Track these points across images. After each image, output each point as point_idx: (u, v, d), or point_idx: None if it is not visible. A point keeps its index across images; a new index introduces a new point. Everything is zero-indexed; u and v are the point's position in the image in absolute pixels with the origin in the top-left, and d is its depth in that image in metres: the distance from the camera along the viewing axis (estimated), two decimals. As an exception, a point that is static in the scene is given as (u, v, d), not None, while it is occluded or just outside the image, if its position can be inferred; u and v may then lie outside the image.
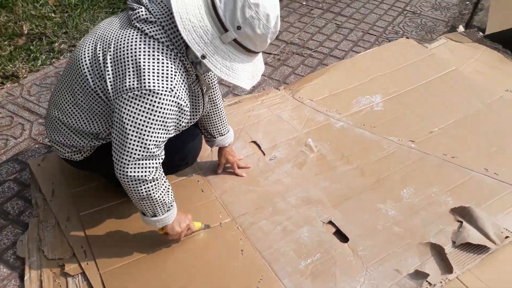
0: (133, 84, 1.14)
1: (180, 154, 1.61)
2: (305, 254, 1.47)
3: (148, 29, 1.16)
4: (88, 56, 1.23)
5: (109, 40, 1.20)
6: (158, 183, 1.25)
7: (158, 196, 1.26)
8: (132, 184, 1.21)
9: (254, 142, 1.95)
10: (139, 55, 1.14)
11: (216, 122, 1.64)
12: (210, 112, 1.62)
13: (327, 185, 1.75)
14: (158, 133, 1.19)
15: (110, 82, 1.19)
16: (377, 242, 1.52)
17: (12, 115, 2.10)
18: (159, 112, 1.16)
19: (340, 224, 1.58)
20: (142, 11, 1.17)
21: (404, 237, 1.53)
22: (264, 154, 1.88)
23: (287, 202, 1.67)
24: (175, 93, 1.17)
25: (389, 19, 3.24)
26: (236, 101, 2.19)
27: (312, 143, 1.94)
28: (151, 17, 1.16)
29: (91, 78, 1.22)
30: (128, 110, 1.15)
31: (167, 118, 1.19)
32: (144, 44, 1.15)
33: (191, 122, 1.42)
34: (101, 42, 1.22)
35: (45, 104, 2.18)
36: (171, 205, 1.35)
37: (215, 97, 1.61)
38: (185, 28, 1.12)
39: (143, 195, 1.24)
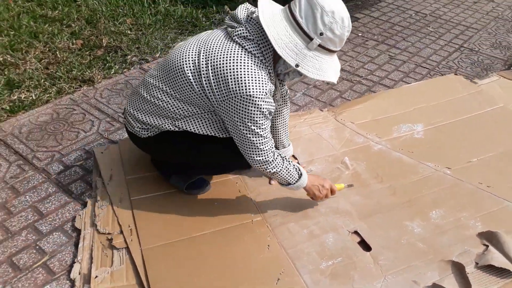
0: (236, 90, 1.38)
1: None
2: (327, 256, 1.57)
3: (247, 45, 1.40)
4: (192, 61, 1.46)
5: (212, 50, 1.43)
6: (278, 162, 1.54)
7: (283, 171, 1.55)
8: (260, 166, 1.53)
9: (293, 156, 2.08)
10: (240, 66, 1.38)
11: (281, 134, 1.86)
12: (278, 125, 1.83)
13: (358, 199, 1.84)
14: (263, 123, 1.46)
15: (213, 87, 1.42)
16: (399, 254, 1.58)
17: (85, 113, 2.39)
18: (259, 110, 1.41)
19: (365, 235, 1.66)
20: (242, 30, 1.42)
21: (427, 253, 1.58)
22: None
23: (317, 210, 1.78)
24: (269, 96, 1.43)
25: (444, 54, 3.29)
26: None
27: (348, 161, 2.04)
28: (249, 35, 1.41)
29: (193, 79, 1.45)
30: (236, 110, 1.42)
31: (266, 113, 1.44)
32: (243, 57, 1.39)
33: None
34: (204, 50, 1.45)
35: (114, 105, 2.46)
36: (300, 174, 1.61)
37: (284, 111, 1.83)
38: (279, 47, 1.36)
39: (272, 172, 1.54)
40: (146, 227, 1.65)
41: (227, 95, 1.40)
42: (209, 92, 1.44)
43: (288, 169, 1.57)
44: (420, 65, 3.11)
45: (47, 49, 3.05)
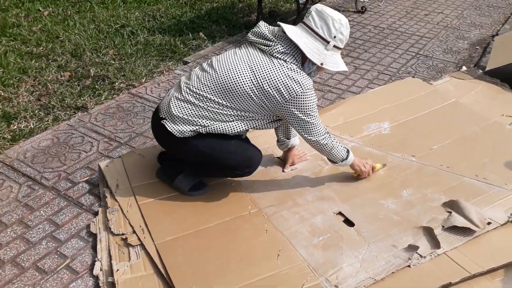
0: (298, 91, 1.77)
1: (247, 162, 1.99)
2: (317, 234, 1.81)
3: (287, 58, 1.79)
4: (250, 80, 1.77)
5: (265, 69, 1.78)
6: (333, 139, 1.96)
7: (337, 145, 1.97)
8: (326, 147, 1.93)
9: (279, 157, 2.33)
10: (292, 73, 1.77)
11: (290, 126, 2.18)
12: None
13: (338, 187, 2.10)
14: (316, 110, 1.87)
15: (275, 97, 1.78)
16: (378, 226, 1.84)
17: (83, 136, 2.59)
18: (313, 97, 1.83)
19: (348, 214, 1.91)
20: (279, 47, 1.78)
21: (401, 223, 1.85)
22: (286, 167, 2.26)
23: (304, 198, 2.03)
24: (313, 86, 1.85)
25: (403, 62, 3.66)
26: None
27: (326, 158, 2.30)
28: (285, 50, 1.79)
29: (254, 94, 1.78)
30: (298, 106, 1.80)
31: (315, 99, 1.85)
32: (290, 67, 1.78)
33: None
34: (257, 70, 1.78)
35: (109, 127, 2.67)
36: (348, 150, 2.02)
37: None
38: (308, 53, 1.77)
39: (330, 146, 1.93)
40: (156, 225, 1.85)
41: (290, 98, 1.78)
42: (272, 101, 1.79)
43: (338, 146, 1.98)
44: (382, 72, 3.46)
45: (36, 82, 3.24)
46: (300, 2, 4.15)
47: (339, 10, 4.80)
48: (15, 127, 2.67)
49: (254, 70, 1.78)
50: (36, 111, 2.85)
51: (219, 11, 4.72)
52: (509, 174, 2.12)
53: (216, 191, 2.08)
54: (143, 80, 3.28)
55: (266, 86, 1.76)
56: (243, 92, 1.77)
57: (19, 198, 2.11)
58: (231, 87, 1.78)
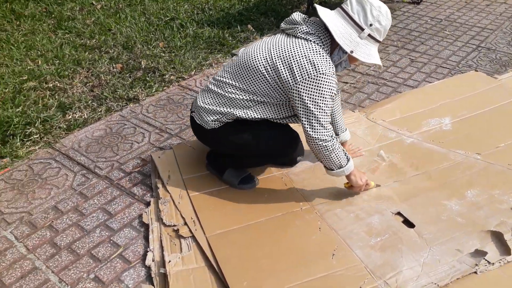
0: (310, 71, 1.62)
1: (283, 147, 1.95)
2: (375, 234, 1.72)
3: (310, 38, 1.66)
4: (264, 58, 1.70)
5: (283, 47, 1.68)
6: (334, 142, 1.73)
7: (339, 150, 1.74)
8: (320, 144, 1.70)
9: None
10: (310, 51, 1.64)
11: (339, 120, 2.11)
12: (335, 112, 2.08)
13: (397, 186, 1.99)
14: (329, 103, 1.67)
15: (287, 76, 1.65)
16: (441, 228, 1.72)
17: (135, 126, 2.62)
18: (328, 86, 1.65)
19: (407, 215, 1.80)
20: (303, 27, 1.68)
21: (466, 226, 1.72)
22: None
23: (360, 197, 1.93)
24: (335, 76, 1.68)
25: (463, 55, 3.45)
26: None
27: (384, 154, 2.19)
28: (310, 31, 1.67)
29: (267, 73, 1.69)
30: (308, 90, 1.64)
31: (332, 91, 1.67)
32: (311, 46, 1.65)
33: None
34: (274, 48, 1.69)
35: (160, 119, 2.68)
36: (349, 158, 1.79)
37: (338, 100, 2.10)
38: (337, 36, 1.64)
39: (330, 149, 1.71)
40: (207, 218, 1.83)
41: (300, 80, 1.63)
42: (284, 81, 1.66)
43: (340, 151, 1.76)
44: (441, 66, 3.27)
45: (90, 74, 3.31)
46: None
47: (393, 1, 4.64)
48: (70, 117, 2.73)
49: (271, 48, 1.70)
50: (90, 101, 2.91)
51: (268, 3, 4.65)
52: None
53: (266, 185, 2.03)
54: (193, 73, 3.27)
55: (279, 63, 1.66)
56: (257, 71, 1.70)
57: (74, 186, 2.15)
58: (246, 66, 1.73)
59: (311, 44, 1.65)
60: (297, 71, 1.63)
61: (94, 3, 4.76)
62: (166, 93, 3.01)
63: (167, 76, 3.23)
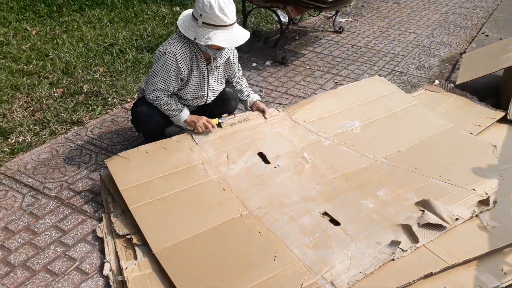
0: (157, 51, 2.30)
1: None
2: (308, 233, 1.98)
3: (175, 36, 2.34)
4: None
5: None
6: (164, 101, 2.36)
7: (167, 107, 2.38)
8: (155, 101, 2.36)
9: (261, 153, 2.46)
10: (170, 38, 2.33)
11: (243, 87, 2.73)
12: (237, 84, 2.73)
13: (320, 187, 2.27)
14: (161, 78, 2.30)
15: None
16: (361, 225, 2.03)
17: (81, 148, 2.72)
18: (164, 64, 2.26)
19: (332, 214, 2.09)
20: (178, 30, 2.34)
21: (381, 221, 2.05)
22: (269, 162, 2.40)
23: (290, 199, 2.19)
24: (176, 57, 2.26)
25: (379, 78, 3.91)
26: (245, 118, 2.66)
27: (307, 156, 2.47)
28: (178, 32, 2.32)
29: None
30: (154, 63, 2.30)
31: (169, 71, 2.28)
32: (169, 39, 2.32)
33: (201, 92, 2.50)
34: None
35: (106, 140, 2.80)
36: (179, 111, 2.41)
37: (239, 80, 2.73)
38: (182, 29, 2.25)
39: (160, 105, 2.37)
40: (152, 233, 1.91)
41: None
42: None
43: (169, 106, 2.37)
44: (361, 88, 3.69)
45: (29, 99, 3.34)
46: (283, 22, 4.39)
47: (318, 30, 5.11)
48: (13, 140, 2.77)
49: None
50: (32, 126, 2.95)
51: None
52: (468, 175, 2.35)
53: (204, 190, 2.18)
54: (135, 96, 3.42)
55: None
56: None
57: (23, 207, 2.21)
58: None
59: (176, 36, 2.31)
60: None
61: (28, 28, 4.74)
62: (110, 115, 3.13)
63: (109, 99, 3.35)
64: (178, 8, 5.62)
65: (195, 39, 2.19)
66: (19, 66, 3.82)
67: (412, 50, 4.65)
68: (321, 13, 5.28)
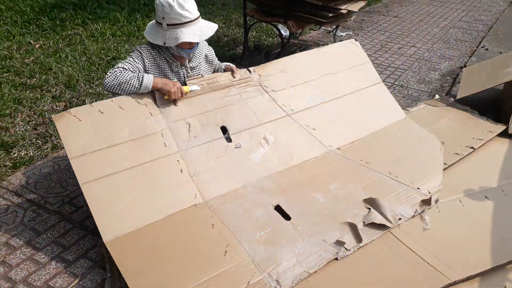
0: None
1: None
2: (259, 228, 1.95)
3: (146, 44, 2.29)
4: None
5: None
6: (123, 74, 2.13)
7: (127, 80, 2.14)
8: (111, 84, 2.17)
9: (224, 126, 2.35)
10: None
11: (223, 64, 2.60)
12: (220, 67, 2.59)
13: (276, 177, 2.26)
14: (126, 63, 2.18)
15: None
16: (310, 220, 2.00)
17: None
18: (131, 55, 2.21)
19: (285, 207, 2.07)
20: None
21: (330, 218, 2.03)
22: (231, 140, 2.32)
23: (246, 189, 2.17)
24: (140, 52, 2.23)
25: (380, 92, 3.93)
26: (213, 81, 2.45)
27: (268, 136, 2.41)
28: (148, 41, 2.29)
29: None
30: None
31: (134, 58, 2.20)
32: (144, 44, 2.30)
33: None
34: None
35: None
36: (141, 78, 2.15)
37: (216, 67, 2.60)
38: (151, 38, 2.20)
39: (119, 87, 2.17)
40: (102, 218, 1.87)
41: None
42: None
43: (132, 77, 2.14)
44: (362, 101, 3.71)
45: (32, 112, 3.36)
46: (284, 36, 4.44)
47: (318, 44, 5.15)
48: (15, 154, 2.77)
49: None
50: (34, 139, 2.96)
51: (206, 44, 4.95)
52: (415, 172, 2.36)
53: (160, 171, 2.08)
54: (137, 110, 3.43)
55: None
56: None
57: (25, 222, 2.21)
58: None
59: (146, 44, 2.30)
60: None
61: (32, 42, 4.78)
62: (112, 130, 3.13)
63: (112, 113, 3.35)
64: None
65: (164, 43, 2.16)
66: (22, 80, 3.85)
67: (412, 63, 4.68)
68: (322, 27, 5.33)
